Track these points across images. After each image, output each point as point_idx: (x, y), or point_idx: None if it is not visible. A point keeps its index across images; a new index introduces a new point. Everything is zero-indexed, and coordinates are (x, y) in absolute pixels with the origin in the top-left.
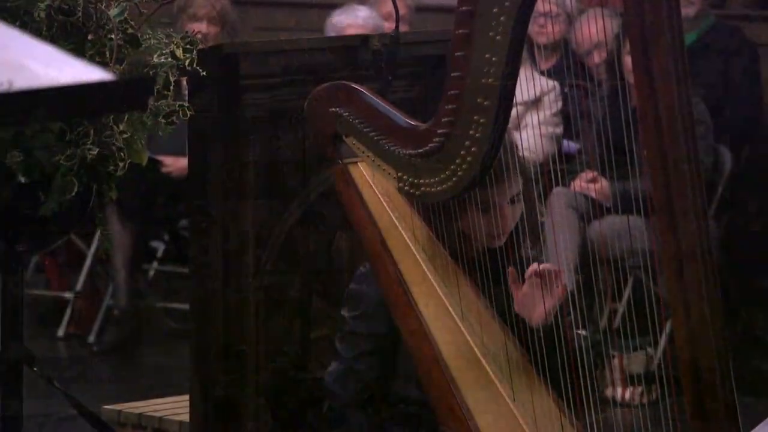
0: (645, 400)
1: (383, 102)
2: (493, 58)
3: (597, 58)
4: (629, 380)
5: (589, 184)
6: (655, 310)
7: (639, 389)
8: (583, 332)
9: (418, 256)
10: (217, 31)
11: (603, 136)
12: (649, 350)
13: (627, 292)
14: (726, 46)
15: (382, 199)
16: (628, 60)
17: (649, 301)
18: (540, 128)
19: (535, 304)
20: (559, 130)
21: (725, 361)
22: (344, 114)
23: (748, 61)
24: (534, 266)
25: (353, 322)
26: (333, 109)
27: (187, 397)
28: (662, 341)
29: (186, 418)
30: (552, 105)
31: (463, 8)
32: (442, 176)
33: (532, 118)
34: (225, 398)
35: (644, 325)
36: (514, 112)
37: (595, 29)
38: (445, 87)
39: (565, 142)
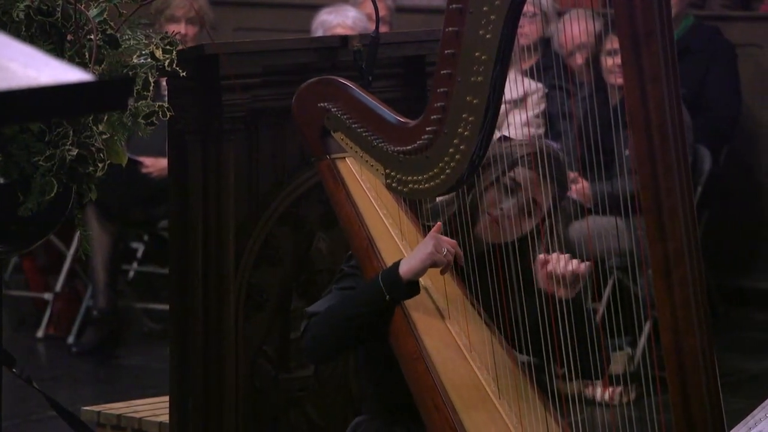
0: (625, 400)
1: (372, 98)
2: (483, 57)
3: (579, 59)
4: (609, 380)
5: (570, 184)
6: (639, 310)
7: (619, 389)
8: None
9: (404, 253)
10: (195, 31)
11: (584, 136)
12: (629, 350)
13: (607, 292)
14: (705, 47)
15: (369, 194)
16: (607, 61)
17: (629, 301)
18: (522, 129)
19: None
20: (541, 131)
21: (711, 362)
22: (333, 109)
23: (726, 61)
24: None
25: (335, 290)
26: (321, 104)
27: (166, 398)
28: (642, 341)
29: (166, 419)
30: (535, 106)
31: (453, 6)
32: (430, 173)
33: (515, 119)
34: (205, 399)
35: (625, 325)
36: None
37: (577, 30)
38: (435, 84)
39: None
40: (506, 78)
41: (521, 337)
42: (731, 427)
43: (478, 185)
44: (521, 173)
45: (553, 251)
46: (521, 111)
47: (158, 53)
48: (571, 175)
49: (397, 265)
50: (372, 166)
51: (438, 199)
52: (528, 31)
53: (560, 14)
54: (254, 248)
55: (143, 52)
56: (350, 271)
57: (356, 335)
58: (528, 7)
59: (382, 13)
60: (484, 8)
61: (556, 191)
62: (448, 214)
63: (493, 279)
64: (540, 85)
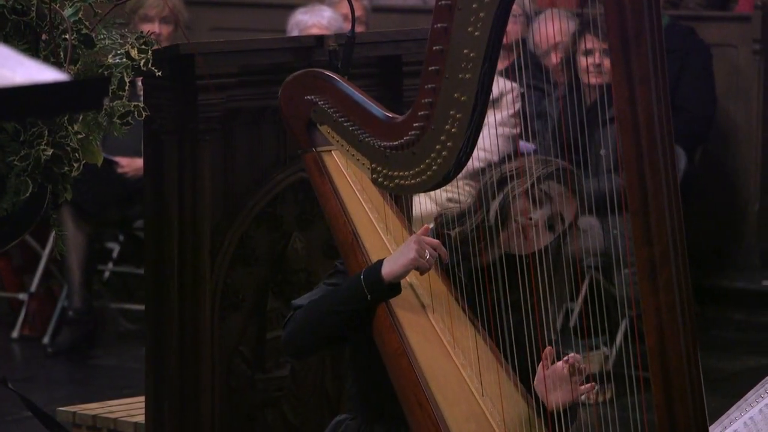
0: (601, 399)
1: (360, 92)
2: (471, 54)
3: (555, 58)
4: (586, 379)
5: None
6: (615, 310)
7: (595, 388)
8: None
9: (390, 248)
10: (169, 30)
11: (560, 135)
12: (605, 349)
13: (583, 292)
14: (680, 47)
15: (355, 188)
16: (583, 60)
17: (606, 299)
18: (498, 128)
19: (556, 389)
20: (517, 130)
21: (695, 364)
22: (320, 102)
23: (701, 61)
24: (572, 357)
25: (323, 285)
26: (308, 96)
27: (142, 398)
28: (618, 340)
29: (141, 419)
30: (510, 106)
31: (442, 2)
32: (416, 169)
33: (490, 119)
34: (180, 399)
35: (602, 325)
36: None
37: (552, 30)
38: (422, 80)
39: (521, 143)
40: (494, 76)
41: (511, 348)
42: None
43: (499, 194)
44: (553, 186)
45: (559, 268)
46: (496, 111)
47: (134, 53)
48: None
49: (380, 264)
50: (358, 160)
51: (452, 205)
52: (510, 30)
53: (536, 14)
54: (230, 248)
55: (118, 52)
56: (342, 268)
57: (335, 332)
58: (517, 7)
59: (357, 13)
60: (474, 5)
61: (578, 209)
62: (473, 222)
63: (509, 289)
64: (515, 84)
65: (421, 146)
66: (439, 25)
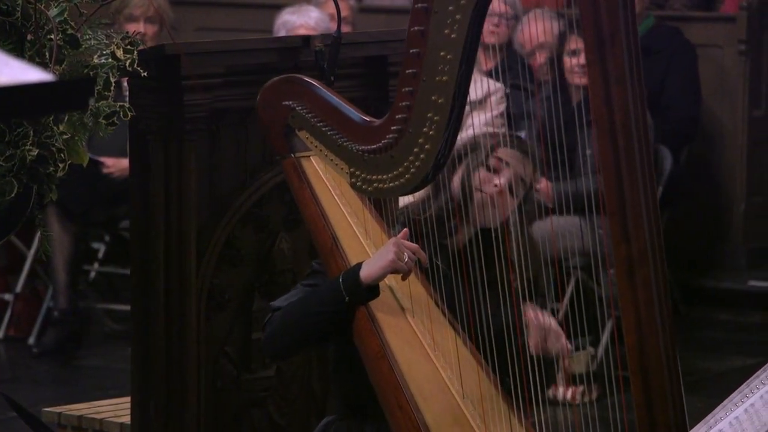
0: (587, 399)
1: (337, 97)
2: (449, 56)
3: (540, 58)
4: (571, 380)
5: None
6: (601, 310)
7: (581, 388)
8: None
9: (369, 252)
10: (155, 30)
11: (546, 136)
12: (591, 349)
13: (569, 292)
14: (665, 47)
15: (334, 193)
16: (569, 60)
17: (590, 300)
18: (483, 129)
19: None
20: (503, 131)
21: (674, 362)
22: (297, 108)
23: (687, 61)
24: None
25: (301, 286)
26: (286, 102)
27: (128, 399)
28: (604, 340)
29: (127, 420)
30: (496, 106)
31: (419, 5)
32: (395, 173)
33: (476, 119)
34: (167, 400)
35: (587, 325)
36: None
37: (538, 30)
38: (400, 84)
39: None
40: (471, 77)
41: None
42: (692, 427)
43: (458, 170)
44: (506, 152)
45: (523, 242)
46: (482, 112)
47: (119, 53)
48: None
49: (358, 266)
50: (336, 165)
51: (411, 198)
52: (502, 31)
53: (523, 13)
54: (216, 249)
55: (104, 52)
56: (319, 269)
57: (314, 334)
58: (507, 9)
59: (344, 13)
60: (450, 8)
61: (534, 169)
62: (441, 201)
63: (478, 271)
64: (500, 85)
65: (399, 149)
66: (416, 28)
